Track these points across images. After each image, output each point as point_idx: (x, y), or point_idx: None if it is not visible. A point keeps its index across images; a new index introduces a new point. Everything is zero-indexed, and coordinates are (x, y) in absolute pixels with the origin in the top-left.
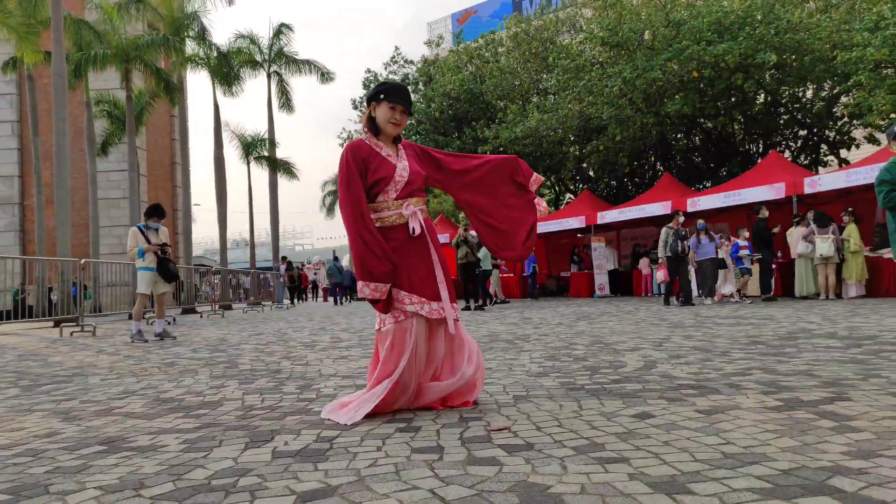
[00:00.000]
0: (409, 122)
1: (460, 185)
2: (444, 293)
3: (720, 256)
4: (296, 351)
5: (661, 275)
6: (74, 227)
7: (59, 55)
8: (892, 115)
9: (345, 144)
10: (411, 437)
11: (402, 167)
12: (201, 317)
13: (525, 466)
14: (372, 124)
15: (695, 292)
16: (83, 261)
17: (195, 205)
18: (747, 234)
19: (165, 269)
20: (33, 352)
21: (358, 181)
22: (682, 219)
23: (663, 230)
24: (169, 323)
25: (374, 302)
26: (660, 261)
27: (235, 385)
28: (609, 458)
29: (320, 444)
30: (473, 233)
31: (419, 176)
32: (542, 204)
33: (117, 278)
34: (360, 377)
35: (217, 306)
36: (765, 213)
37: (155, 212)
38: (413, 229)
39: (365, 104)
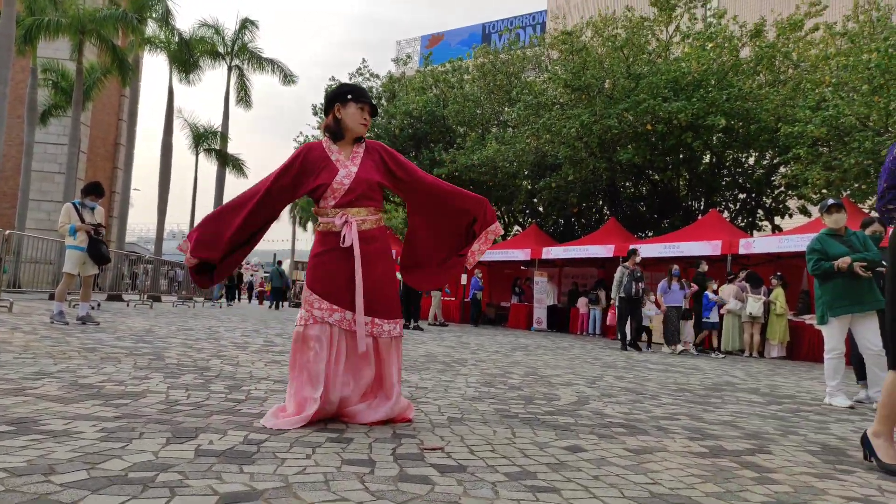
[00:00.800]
0: (368, 135)
1: (420, 200)
2: (359, 304)
3: (684, 307)
4: (226, 350)
5: (609, 317)
6: (1, 196)
7: (8, 17)
8: (825, 190)
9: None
10: (343, 447)
11: (345, 174)
12: (128, 305)
13: (457, 488)
14: (337, 126)
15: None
16: (7, 232)
17: (134, 189)
18: (716, 286)
19: (97, 250)
20: None
21: (280, 176)
22: (638, 258)
23: (619, 269)
24: (93, 308)
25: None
26: (612, 301)
27: (160, 378)
28: (540, 488)
29: (247, 446)
30: None
31: (364, 183)
32: (473, 256)
33: (41, 255)
34: None
35: (146, 297)
36: (704, 266)
37: (93, 190)
38: (343, 238)
39: (323, 108)
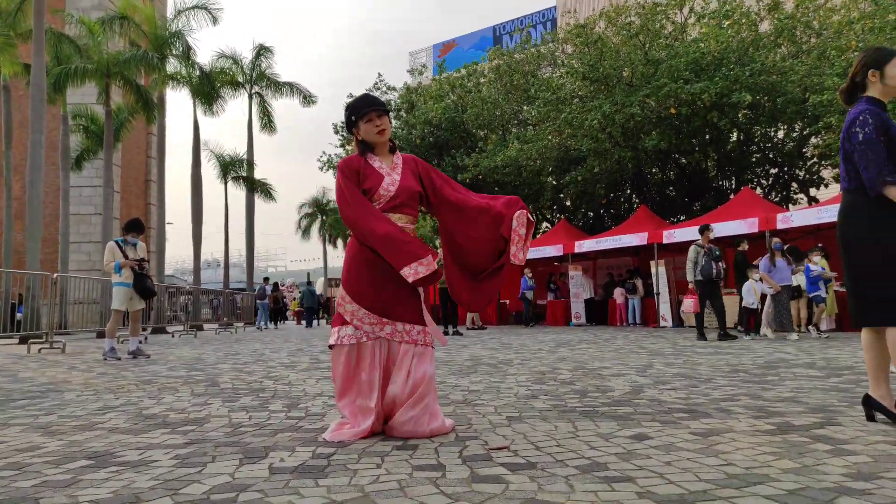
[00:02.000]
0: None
1: (447, 217)
2: (426, 316)
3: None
4: (276, 371)
5: (689, 303)
6: (42, 241)
7: (39, 67)
8: None
9: (325, 167)
10: (410, 454)
11: (390, 181)
12: (173, 336)
13: (531, 484)
14: (363, 146)
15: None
16: (55, 275)
17: (168, 223)
18: (817, 259)
19: (142, 285)
20: (1, 367)
21: (355, 188)
22: (712, 235)
23: (692, 249)
24: (141, 341)
25: (427, 280)
26: (690, 286)
27: (219, 403)
28: (614, 478)
29: (317, 461)
30: None
31: (406, 191)
32: (516, 256)
33: (85, 295)
34: None
35: (188, 326)
36: (744, 246)
37: (134, 227)
38: None
39: (346, 131)
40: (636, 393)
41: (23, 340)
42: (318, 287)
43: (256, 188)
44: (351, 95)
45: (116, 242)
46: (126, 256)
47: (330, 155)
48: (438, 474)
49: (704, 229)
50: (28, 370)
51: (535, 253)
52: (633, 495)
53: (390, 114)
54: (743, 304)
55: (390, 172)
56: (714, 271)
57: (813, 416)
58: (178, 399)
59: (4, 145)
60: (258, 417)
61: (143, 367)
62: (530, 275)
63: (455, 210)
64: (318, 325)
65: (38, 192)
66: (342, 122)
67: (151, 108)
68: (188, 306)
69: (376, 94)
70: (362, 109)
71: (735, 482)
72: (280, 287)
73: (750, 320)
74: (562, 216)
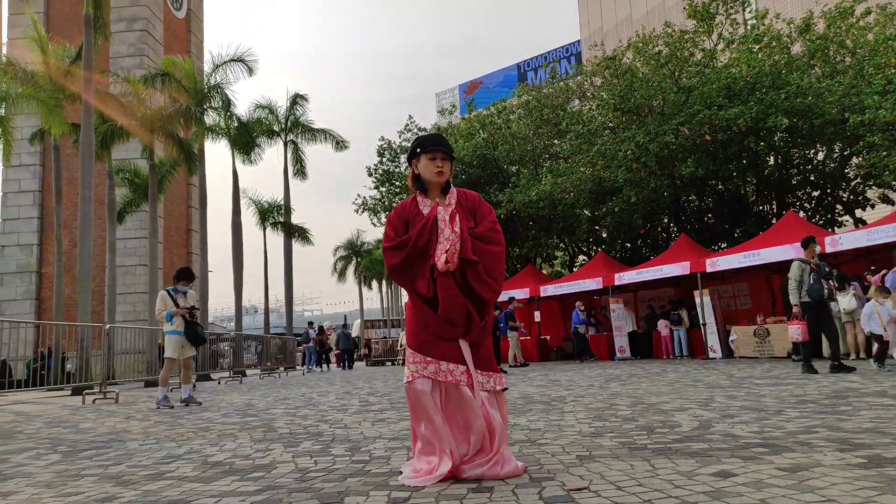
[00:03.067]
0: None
1: None
2: (466, 353)
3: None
4: (329, 414)
5: (795, 330)
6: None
7: (88, 127)
8: None
9: (360, 209)
10: (488, 497)
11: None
12: (219, 383)
13: None
14: (417, 182)
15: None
16: (108, 325)
17: (209, 271)
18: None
19: (193, 332)
20: (60, 419)
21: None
22: (818, 249)
23: (795, 266)
24: (193, 388)
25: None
26: (794, 311)
27: (281, 448)
28: None
29: None
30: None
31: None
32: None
33: (131, 346)
34: (406, 438)
35: (233, 372)
36: None
37: (184, 275)
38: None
39: (407, 163)
40: (705, 428)
41: (76, 392)
42: (355, 329)
43: (294, 233)
44: (382, 138)
45: (167, 291)
46: (177, 305)
47: (365, 197)
48: None
49: (809, 242)
50: (87, 421)
51: (574, 287)
52: None
53: (452, 161)
54: (868, 331)
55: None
56: (825, 290)
57: None
58: (240, 445)
59: (55, 202)
60: (323, 462)
61: (197, 415)
62: (582, 307)
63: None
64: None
65: (89, 246)
66: (374, 165)
67: (193, 161)
68: (233, 352)
69: (408, 135)
70: (429, 146)
71: None
72: (325, 332)
73: (880, 348)
74: (598, 248)
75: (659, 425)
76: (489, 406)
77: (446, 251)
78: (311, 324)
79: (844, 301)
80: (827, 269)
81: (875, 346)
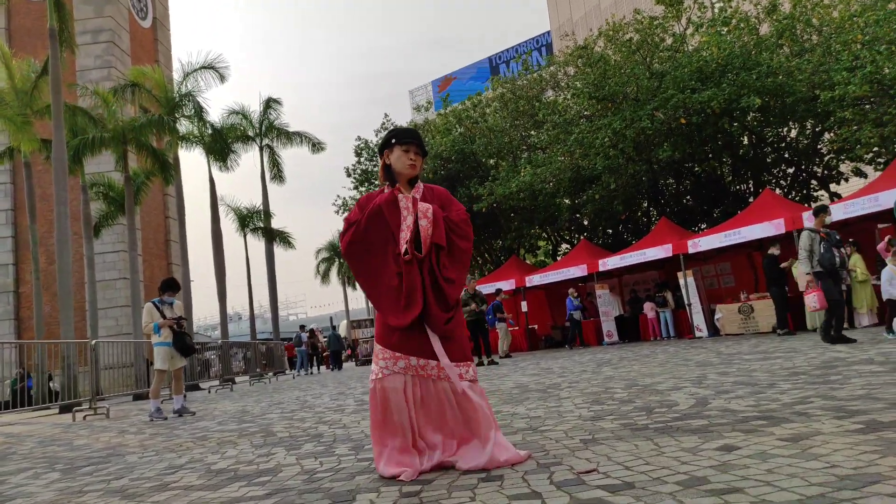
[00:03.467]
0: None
1: None
2: (437, 347)
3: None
4: (327, 416)
5: (813, 299)
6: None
7: (59, 142)
8: (876, 148)
9: (341, 210)
10: (499, 485)
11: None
12: (209, 392)
13: None
14: (388, 172)
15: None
16: (94, 341)
17: (191, 281)
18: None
19: (182, 342)
20: (53, 437)
21: (355, 236)
22: (829, 217)
23: (804, 235)
24: (185, 398)
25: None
26: (808, 281)
27: (283, 452)
28: (721, 490)
29: (408, 499)
30: (479, 287)
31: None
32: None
33: (116, 360)
34: None
35: (223, 380)
36: (776, 250)
37: (170, 286)
38: None
39: (378, 155)
40: (703, 405)
41: (64, 410)
42: (342, 330)
43: (275, 238)
44: (359, 138)
45: (153, 303)
46: (164, 316)
47: (344, 198)
48: (538, 502)
49: (820, 211)
50: (81, 437)
51: (559, 275)
52: None
53: (424, 159)
54: (886, 298)
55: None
56: (837, 259)
57: None
58: (241, 452)
59: (30, 220)
60: (329, 462)
61: (192, 424)
62: (576, 294)
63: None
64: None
65: (67, 263)
66: (353, 166)
67: (168, 170)
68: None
69: (383, 134)
70: (404, 138)
71: (850, 483)
72: (315, 335)
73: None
74: (581, 236)
75: (657, 405)
76: (473, 394)
77: (406, 240)
78: (302, 327)
79: None
80: (837, 238)
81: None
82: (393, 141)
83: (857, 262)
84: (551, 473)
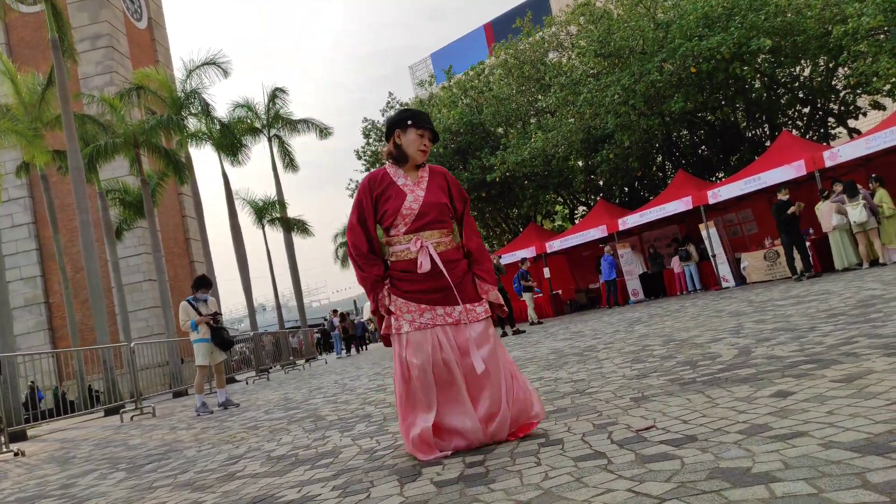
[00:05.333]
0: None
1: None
2: (457, 295)
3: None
4: (370, 396)
5: None
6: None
7: (74, 152)
8: (895, 79)
9: (354, 194)
10: (560, 449)
11: (413, 199)
12: (246, 383)
13: (705, 455)
14: (398, 151)
15: None
16: (133, 343)
17: (214, 276)
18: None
19: (220, 337)
20: (107, 439)
21: (363, 221)
22: None
23: None
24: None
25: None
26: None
27: (338, 434)
28: (785, 435)
29: (473, 469)
30: (498, 256)
31: (435, 206)
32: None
33: (151, 360)
34: None
35: (258, 370)
36: (785, 194)
37: (203, 283)
38: (420, 264)
39: (385, 134)
40: (746, 354)
41: (109, 412)
42: (366, 312)
43: (293, 227)
44: (366, 119)
45: (188, 301)
46: (200, 313)
47: (357, 181)
48: (604, 462)
49: None
50: (134, 437)
51: (579, 238)
52: (819, 447)
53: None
54: None
55: (414, 189)
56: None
57: None
58: (296, 437)
59: (53, 231)
60: (385, 441)
61: (240, 416)
62: (611, 251)
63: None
64: (365, 349)
65: (95, 269)
66: (362, 147)
67: (181, 169)
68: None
69: (390, 112)
70: (422, 122)
71: None
72: (347, 318)
73: None
74: (597, 197)
75: (699, 358)
76: (489, 354)
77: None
78: (335, 311)
79: (855, 213)
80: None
81: None
82: (409, 122)
83: (883, 197)
84: (610, 433)
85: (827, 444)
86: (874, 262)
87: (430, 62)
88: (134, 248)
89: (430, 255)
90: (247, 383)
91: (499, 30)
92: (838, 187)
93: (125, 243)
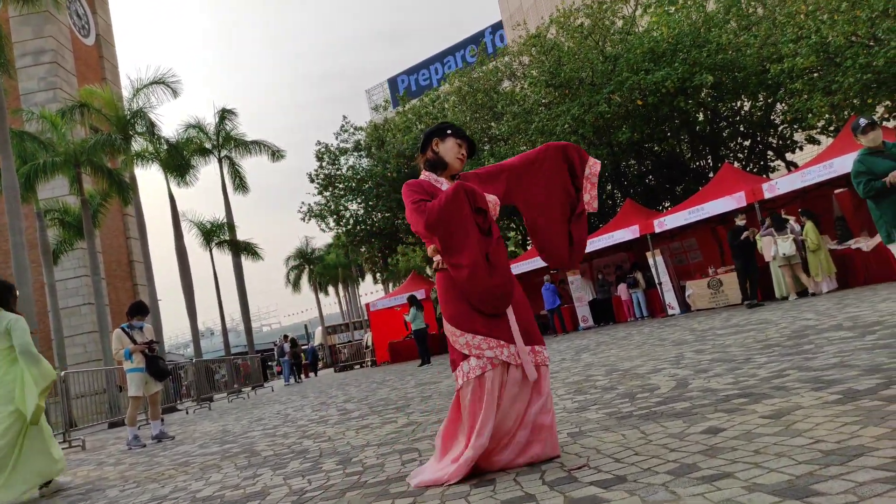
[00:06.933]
0: (366, 185)
1: (519, 186)
2: (516, 333)
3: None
4: (310, 429)
5: None
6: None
7: (9, 170)
8: (828, 116)
9: (307, 216)
10: (492, 490)
11: None
12: (186, 413)
13: (632, 499)
14: (437, 158)
15: None
16: (63, 373)
17: (158, 300)
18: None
19: (155, 367)
20: None
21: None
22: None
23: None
24: (162, 422)
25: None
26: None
27: (269, 472)
28: (712, 476)
29: None
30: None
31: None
32: (591, 204)
33: (87, 388)
34: (396, 442)
35: (200, 399)
36: (742, 220)
37: (138, 310)
38: None
39: (421, 146)
40: (683, 386)
41: None
42: (318, 336)
43: (242, 250)
44: (319, 142)
45: (123, 329)
46: (134, 341)
47: (309, 204)
48: None
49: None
50: None
51: (528, 265)
52: (742, 490)
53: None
54: None
55: None
56: None
57: (872, 378)
58: (227, 476)
59: None
60: (317, 480)
61: (173, 450)
62: (552, 280)
63: (516, 177)
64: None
65: (29, 294)
66: (315, 171)
67: (125, 190)
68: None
69: (344, 136)
70: (461, 134)
71: (836, 458)
72: (297, 343)
73: None
74: None
75: (639, 390)
76: (544, 381)
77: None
78: (285, 337)
79: (785, 246)
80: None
81: None
82: (449, 132)
83: (809, 232)
84: (542, 473)
85: (751, 487)
86: (802, 293)
87: (386, 86)
88: (73, 270)
89: None
90: (187, 413)
91: (456, 54)
92: (767, 221)
93: (63, 265)
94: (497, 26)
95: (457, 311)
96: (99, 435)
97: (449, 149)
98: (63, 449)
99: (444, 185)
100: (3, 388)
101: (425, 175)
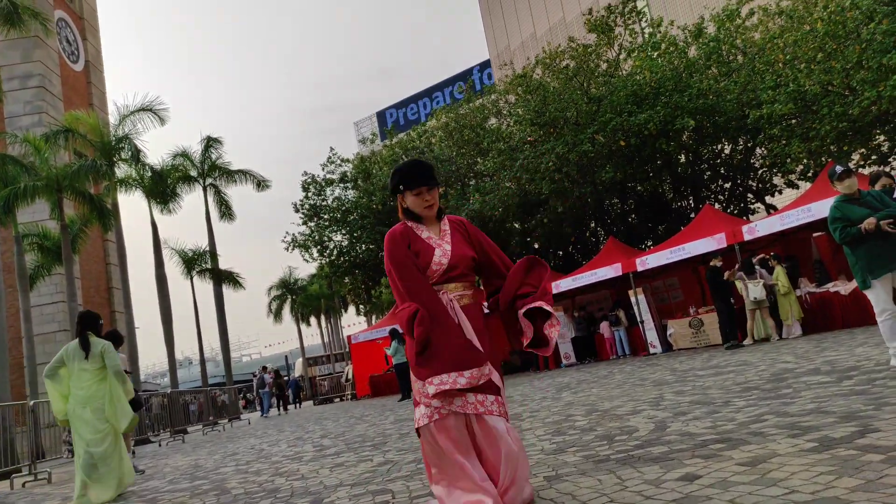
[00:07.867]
0: (352, 217)
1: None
2: (497, 380)
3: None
4: (284, 465)
5: None
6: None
7: None
8: (806, 161)
9: (291, 246)
10: None
11: (441, 253)
12: (160, 445)
13: None
14: (408, 213)
15: None
16: (32, 402)
17: (136, 328)
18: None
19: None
20: None
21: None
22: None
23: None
24: (133, 455)
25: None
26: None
27: None
28: None
29: None
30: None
31: (464, 259)
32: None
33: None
34: (369, 482)
35: (173, 431)
36: (718, 262)
37: (112, 339)
38: None
39: (391, 195)
40: (662, 429)
41: (2, 477)
42: (298, 368)
43: (224, 279)
44: (306, 173)
45: None
46: None
47: (294, 234)
48: None
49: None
50: None
51: None
52: None
53: (438, 187)
54: None
55: (440, 243)
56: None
57: (848, 425)
58: None
59: None
60: None
61: (141, 486)
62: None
63: (486, 269)
64: (298, 407)
65: (2, 319)
66: (301, 201)
67: (106, 216)
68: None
69: (331, 167)
70: (413, 183)
71: None
72: (281, 375)
73: None
74: None
75: (617, 432)
76: (511, 430)
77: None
78: (265, 368)
79: (756, 291)
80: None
81: None
82: (402, 187)
83: (779, 276)
84: None
85: None
86: (767, 339)
87: (374, 120)
88: (50, 295)
89: (454, 309)
90: (160, 445)
91: (444, 90)
92: (737, 266)
93: (40, 290)
94: (485, 65)
95: (427, 364)
96: (68, 468)
97: (412, 203)
98: (28, 482)
99: (425, 232)
100: (95, 402)
101: (406, 221)
